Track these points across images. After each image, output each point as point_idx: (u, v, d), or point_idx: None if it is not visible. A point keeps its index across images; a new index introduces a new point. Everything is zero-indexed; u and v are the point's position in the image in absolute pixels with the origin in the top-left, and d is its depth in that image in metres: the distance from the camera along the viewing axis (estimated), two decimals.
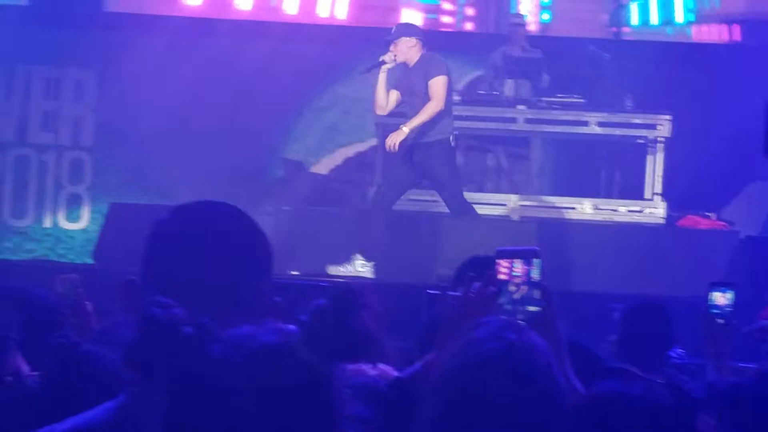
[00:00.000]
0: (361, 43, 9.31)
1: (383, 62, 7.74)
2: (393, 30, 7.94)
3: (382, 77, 7.72)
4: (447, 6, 9.79)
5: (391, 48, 7.82)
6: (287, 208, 8.69)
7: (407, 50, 7.79)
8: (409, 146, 7.61)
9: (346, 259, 7.73)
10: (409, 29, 7.98)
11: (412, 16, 9.70)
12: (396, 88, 7.78)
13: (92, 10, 9.26)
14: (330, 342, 2.23)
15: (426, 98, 7.64)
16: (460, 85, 9.03)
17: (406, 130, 7.56)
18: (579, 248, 7.50)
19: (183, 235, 2.26)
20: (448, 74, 7.76)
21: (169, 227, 2.32)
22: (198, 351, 1.68)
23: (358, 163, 9.34)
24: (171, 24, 9.23)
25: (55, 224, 9.38)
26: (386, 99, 7.73)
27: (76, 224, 9.39)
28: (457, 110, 8.46)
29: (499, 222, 7.94)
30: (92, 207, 9.33)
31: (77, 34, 9.19)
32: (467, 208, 7.65)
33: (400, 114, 7.81)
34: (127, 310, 2.47)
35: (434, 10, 9.78)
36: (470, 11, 9.75)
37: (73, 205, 9.40)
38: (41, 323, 3.01)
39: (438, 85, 7.66)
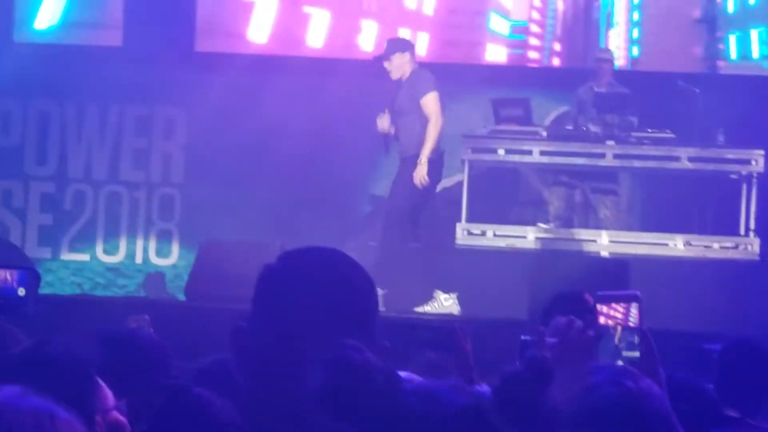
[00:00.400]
0: (447, 79, 9.34)
1: (387, 135, 7.83)
2: (385, 47, 7.95)
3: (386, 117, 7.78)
4: (534, 41, 9.77)
5: (386, 65, 7.85)
6: (373, 243, 8.71)
7: (401, 65, 7.82)
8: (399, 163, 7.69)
9: (430, 295, 7.73)
10: (400, 44, 7.99)
11: (498, 51, 9.71)
12: (387, 108, 7.84)
13: (183, 50, 9.40)
14: (521, 411, 2.20)
15: (412, 116, 7.67)
16: (547, 121, 9.00)
17: (424, 161, 7.61)
18: (671, 285, 7.41)
19: (293, 281, 2.27)
20: (437, 89, 7.76)
21: (280, 272, 2.33)
22: (391, 398, 1.69)
23: (445, 199, 9.32)
24: (257, 63, 9.34)
25: (146, 260, 9.50)
26: (436, 124, 7.74)
27: (166, 260, 9.50)
28: (543, 145, 8.42)
29: (589, 259, 7.88)
30: (181, 243, 9.44)
31: (168, 74, 9.33)
32: (391, 230, 7.62)
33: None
34: (238, 355, 2.48)
35: (521, 46, 9.77)
36: (557, 46, 9.72)
37: (163, 241, 9.52)
38: (149, 364, 3.03)
39: (430, 101, 7.69)
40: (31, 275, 3.47)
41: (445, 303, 7.79)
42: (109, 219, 9.51)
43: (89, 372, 2.27)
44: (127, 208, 9.54)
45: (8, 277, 3.44)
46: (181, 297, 8.64)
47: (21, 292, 3.38)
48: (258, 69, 9.27)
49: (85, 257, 9.47)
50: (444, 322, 6.71)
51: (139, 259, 9.51)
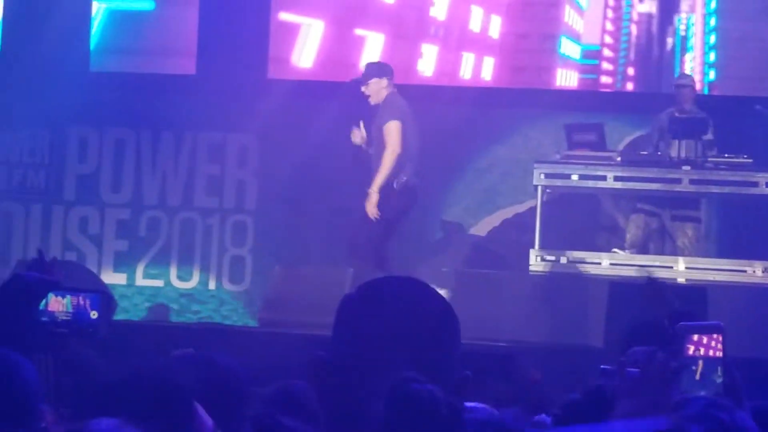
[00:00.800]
0: (517, 105, 9.31)
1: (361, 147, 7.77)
2: (364, 71, 7.90)
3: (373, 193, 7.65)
4: (607, 66, 9.70)
5: (363, 89, 7.80)
6: (446, 269, 8.68)
7: (379, 91, 7.77)
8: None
9: (505, 321, 7.66)
10: (377, 70, 7.90)
11: (569, 76, 9.65)
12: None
13: (256, 77, 9.46)
14: None
15: (377, 145, 7.62)
16: (620, 146, 8.92)
17: (374, 191, 7.54)
18: (749, 312, 7.28)
19: (373, 311, 2.26)
20: (403, 118, 7.66)
21: (359, 302, 2.33)
22: (453, 430, 1.67)
23: (517, 225, 9.28)
24: (329, 89, 9.37)
25: (219, 286, 9.56)
26: (392, 153, 7.64)
27: (239, 286, 9.54)
28: (618, 171, 8.34)
29: (666, 286, 7.77)
30: (254, 269, 9.48)
31: (241, 101, 9.39)
32: (358, 251, 7.52)
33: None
34: (317, 384, 2.47)
35: (593, 70, 9.71)
36: (631, 71, 9.64)
37: (236, 267, 9.57)
38: (229, 392, 3.02)
39: (390, 130, 7.59)
40: (104, 299, 3.49)
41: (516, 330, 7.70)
42: (183, 245, 9.58)
43: (189, 398, 2.28)
44: (200, 234, 9.60)
45: (82, 301, 3.47)
46: (253, 323, 8.68)
47: (94, 315, 3.41)
48: (327, 95, 9.30)
49: (159, 283, 9.54)
50: (507, 350, 6.66)
51: (212, 285, 9.56)
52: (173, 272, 9.57)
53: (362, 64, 9.54)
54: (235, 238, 9.59)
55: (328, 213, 9.17)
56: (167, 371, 2.34)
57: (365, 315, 2.26)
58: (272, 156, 9.44)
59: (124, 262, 9.57)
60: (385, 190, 7.57)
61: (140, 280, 9.55)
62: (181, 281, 9.56)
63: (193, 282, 9.56)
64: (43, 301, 3.36)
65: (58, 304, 3.42)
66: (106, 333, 3.21)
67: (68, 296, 3.44)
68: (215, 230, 9.61)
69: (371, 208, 7.51)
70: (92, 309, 3.40)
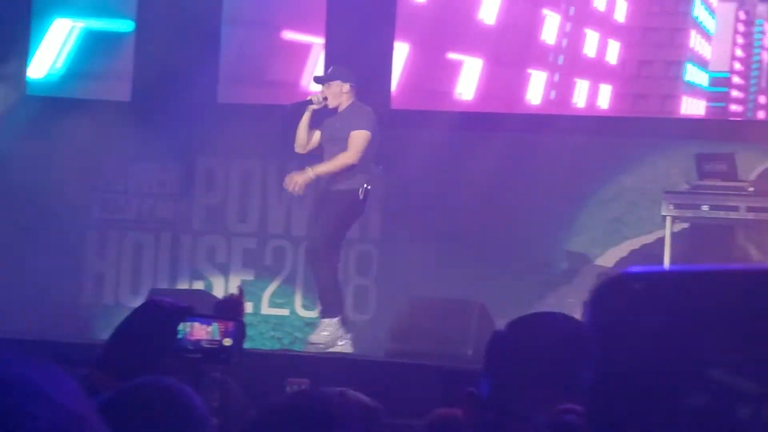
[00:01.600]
0: (641, 133, 9.19)
1: (311, 102, 7.81)
2: (328, 71, 7.97)
3: (306, 116, 7.79)
4: (736, 94, 9.53)
5: (323, 89, 7.84)
6: (571, 299, 8.60)
7: (339, 94, 7.82)
8: (321, 194, 7.70)
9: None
10: (344, 74, 7.94)
11: (695, 104, 9.50)
12: (320, 129, 7.82)
13: (380, 108, 9.51)
14: None
15: (344, 147, 7.63)
16: (752, 176, 8.75)
17: (311, 173, 7.60)
18: None
19: (527, 347, 2.27)
20: (373, 130, 7.72)
21: (512, 339, 2.34)
22: None
23: (645, 256, 9.14)
24: (451, 119, 9.38)
25: (344, 315, 9.58)
26: (307, 138, 7.80)
27: (364, 315, 9.57)
28: (751, 201, 8.18)
29: None
30: (379, 299, 9.50)
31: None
32: (319, 259, 7.66)
33: (317, 157, 7.83)
34: (471, 419, 2.47)
35: (721, 98, 9.54)
36: (762, 99, 9.46)
37: (361, 296, 9.60)
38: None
39: (358, 138, 7.66)
40: (238, 327, 3.54)
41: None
42: (308, 274, 9.65)
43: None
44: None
45: (218, 328, 3.51)
46: (379, 353, 8.69)
47: (227, 342, 3.45)
48: (454, 126, 9.31)
49: (284, 312, 9.63)
50: None
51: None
52: (298, 301, 9.65)
53: (458, 91, 9.56)
54: (360, 268, 9.63)
55: (454, 242, 9.16)
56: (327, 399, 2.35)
57: (518, 351, 2.27)
58: (397, 185, 9.47)
59: (250, 290, 9.68)
60: (353, 196, 7.70)
61: (266, 309, 9.65)
62: (305, 310, 9.63)
63: (318, 311, 9.61)
64: (182, 327, 3.40)
65: (201, 331, 3.46)
66: (238, 360, 3.24)
67: (213, 323, 3.49)
68: (340, 260, 9.65)
69: (293, 182, 7.67)
70: (226, 336, 3.45)
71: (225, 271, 9.76)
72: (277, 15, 9.89)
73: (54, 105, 9.72)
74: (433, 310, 7.40)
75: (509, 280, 8.81)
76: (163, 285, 9.55)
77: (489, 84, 9.51)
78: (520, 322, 2.39)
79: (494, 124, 9.35)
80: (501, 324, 7.26)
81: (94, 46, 9.99)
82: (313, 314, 9.62)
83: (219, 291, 9.53)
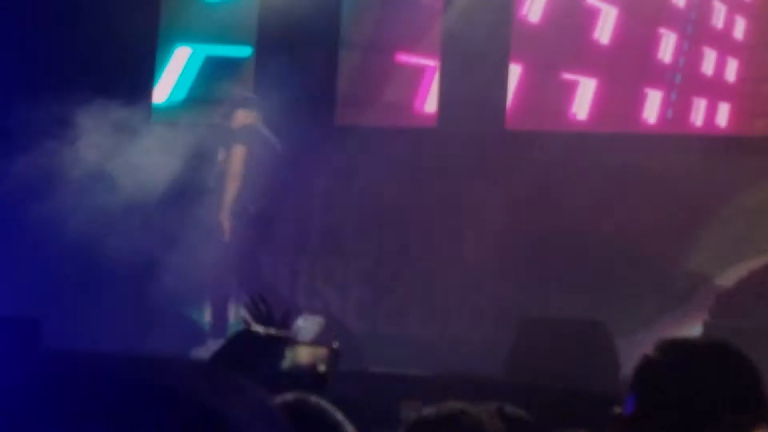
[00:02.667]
0: (762, 153, 9.06)
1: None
2: (236, 95, 8.47)
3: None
4: None
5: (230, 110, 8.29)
6: (691, 319, 8.51)
7: (245, 118, 8.32)
8: None
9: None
10: (247, 101, 8.46)
11: None
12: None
13: (494, 129, 9.55)
14: None
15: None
16: None
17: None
18: None
19: (682, 374, 2.28)
20: (251, 147, 8.14)
21: (666, 366, 2.35)
22: None
23: (765, 275, 9.02)
24: (565, 139, 9.36)
25: (459, 335, 9.62)
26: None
27: (479, 334, 9.58)
28: None
29: None
30: (495, 319, 9.50)
31: (481, 152, 9.48)
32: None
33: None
34: None
35: None
36: None
37: (476, 316, 9.61)
38: None
39: (234, 157, 8.17)
40: (332, 354, 3.57)
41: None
42: (424, 294, 9.71)
43: None
44: (440, 283, 9.71)
45: (313, 354, 3.54)
46: (493, 373, 8.69)
47: (321, 369, 3.48)
48: (566, 147, 9.30)
49: (400, 331, 9.68)
50: None
51: (452, 334, 9.64)
52: (415, 321, 9.70)
53: (573, 111, 9.52)
54: (476, 288, 9.65)
55: (570, 262, 9.13)
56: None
57: (673, 377, 2.28)
58: (511, 206, 9.48)
59: (366, 310, 9.77)
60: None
61: (382, 329, 9.72)
62: (422, 329, 9.68)
63: (433, 331, 9.67)
64: (294, 351, 3.45)
65: (314, 355, 3.50)
66: (329, 386, 3.28)
67: (308, 349, 3.52)
68: (455, 279, 9.70)
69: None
70: (321, 363, 3.48)
71: (342, 291, 9.86)
72: (393, 37, 10.00)
73: (177, 131, 9.95)
74: (553, 330, 7.39)
75: (628, 299, 8.77)
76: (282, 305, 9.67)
77: (604, 103, 9.48)
78: (674, 347, 2.40)
79: (610, 144, 9.32)
80: (621, 343, 7.24)
81: (214, 71, 10.21)
82: (429, 333, 9.67)
83: (337, 311, 9.64)
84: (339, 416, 2.46)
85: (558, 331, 7.31)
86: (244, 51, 10.22)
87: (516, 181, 9.35)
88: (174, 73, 10.24)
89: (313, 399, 2.47)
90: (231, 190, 8.26)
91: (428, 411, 2.64)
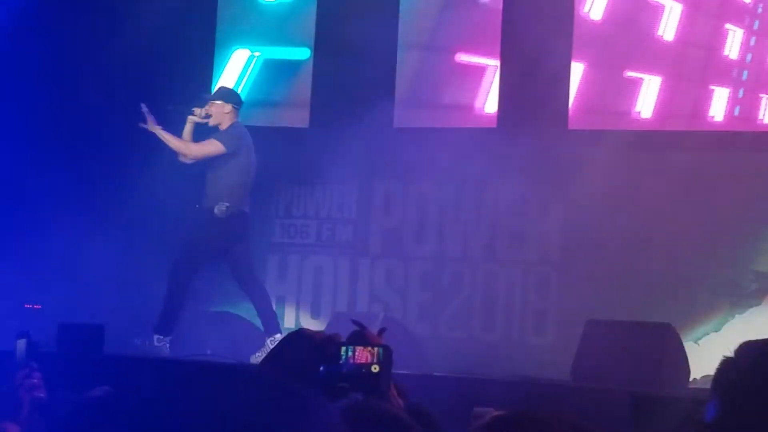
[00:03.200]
0: None
1: (192, 112, 8.21)
2: (215, 90, 8.42)
3: (188, 127, 8.22)
4: None
5: (207, 106, 8.23)
6: (761, 321, 8.35)
7: (221, 114, 8.23)
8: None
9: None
10: (227, 95, 8.38)
11: None
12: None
13: (557, 128, 9.43)
14: None
15: (220, 168, 8.12)
16: None
17: (157, 129, 8.19)
18: None
19: (758, 373, 2.21)
20: (234, 151, 8.16)
21: (749, 369, 2.29)
22: None
23: None
24: (629, 138, 9.22)
25: (522, 338, 9.51)
26: (187, 147, 8.17)
27: (542, 339, 9.47)
28: None
29: None
30: (558, 322, 9.38)
31: (543, 152, 9.37)
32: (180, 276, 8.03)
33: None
34: None
35: None
36: None
37: (539, 319, 9.50)
38: None
39: (210, 144, 8.14)
40: (386, 353, 3.48)
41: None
42: (486, 297, 9.60)
43: None
44: (503, 286, 9.60)
45: (368, 355, 3.46)
46: (557, 377, 8.57)
47: (375, 369, 3.40)
48: (634, 146, 9.16)
49: (462, 335, 9.59)
50: None
51: (515, 337, 9.53)
52: (476, 324, 9.60)
53: (636, 109, 9.36)
54: (539, 291, 9.53)
55: (635, 263, 8.99)
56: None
57: (756, 380, 2.19)
58: (575, 206, 9.36)
59: (427, 313, 9.69)
60: (207, 215, 8.16)
61: (443, 332, 9.63)
62: (484, 333, 9.57)
63: (497, 334, 9.56)
64: (345, 351, 3.36)
65: (368, 355, 3.42)
66: (386, 388, 3.18)
67: (363, 349, 3.43)
68: (518, 282, 9.58)
69: (150, 128, 8.17)
70: (374, 363, 3.40)
71: (402, 294, 9.79)
72: (452, 38, 9.91)
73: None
74: (620, 333, 7.25)
75: (695, 300, 8.60)
76: (342, 308, 9.64)
77: (669, 101, 9.32)
78: (754, 348, 2.32)
79: (675, 142, 9.15)
80: (689, 346, 7.08)
81: (272, 74, 10.18)
82: (491, 337, 9.57)
83: (397, 314, 9.56)
84: (407, 421, 2.38)
85: (624, 333, 7.16)
86: (302, 53, 10.18)
87: (579, 181, 9.22)
88: (232, 76, 10.22)
89: (378, 403, 2.38)
90: (183, 147, 8.30)
91: (495, 417, 2.54)
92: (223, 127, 8.34)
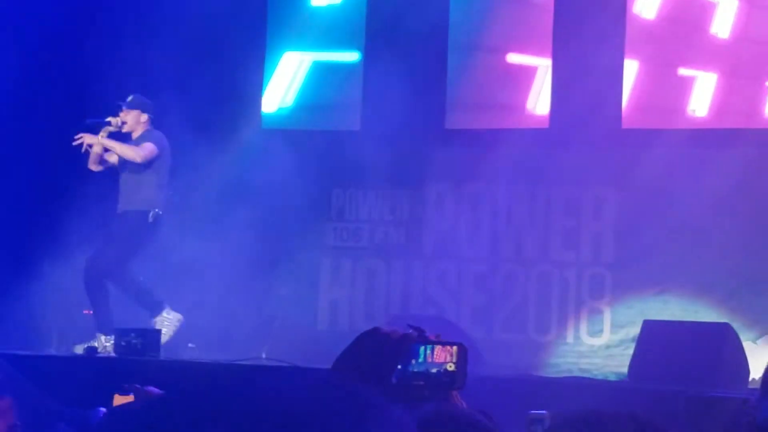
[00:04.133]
0: None
1: (108, 123, 8.33)
2: (130, 98, 8.42)
3: (103, 135, 8.34)
4: None
5: (122, 114, 8.36)
6: None
7: (135, 123, 8.38)
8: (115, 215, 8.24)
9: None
10: (142, 104, 8.47)
11: None
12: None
13: (609, 127, 9.37)
14: None
15: (135, 173, 8.28)
16: None
17: (101, 139, 8.29)
18: None
19: None
20: (162, 149, 8.29)
21: None
22: None
23: None
24: (684, 136, 9.13)
25: (577, 339, 9.45)
26: (135, 151, 8.26)
27: (598, 339, 9.40)
28: None
29: None
30: (613, 322, 9.32)
31: (596, 152, 9.31)
32: (109, 278, 8.17)
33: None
34: None
35: None
36: None
37: (595, 320, 9.43)
38: None
39: (147, 147, 8.26)
40: (461, 350, 3.44)
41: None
42: (540, 298, 9.55)
43: None
44: (557, 287, 9.55)
45: (444, 353, 3.43)
46: (612, 377, 8.51)
47: (451, 367, 3.36)
48: (686, 143, 9.08)
49: (517, 336, 9.54)
50: None
51: (570, 338, 9.47)
52: (531, 325, 9.55)
53: (691, 108, 9.26)
54: (593, 291, 9.46)
55: (690, 263, 8.90)
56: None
57: None
58: (629, 206, 9.29)
59: (481, 315, 9.65)
60: (141, 220, 8.26)
61: (498, 334, 9.58)
62: (539, 334, 9.52)
63: (551, 335, 9.50)
64: (424, 350, 3.34)
65: (444, 353, 3.39)
66: (462, 386, 3.17)
67: (438, 348, 3.40)
68: (572, 283, 9.52)
69: (83, 140, 8.26)
70: (450, 362, 3.37)
71: (456, 296, 9.76)
72: (503, 39, 9.86)
73: (287, 137, 9.97)
74: (678, 334, 7.18)
75: (753, 298, 8.49)
76: (396, 311, 9.62)
77: (724, 99, 9.22)
78: None
79: (730, 140, 9.05)
80: (748, 346, 6.99)
81: (323, 77, 10.19)
82: (547, 338, 9.52)
83: (451, 316, 9.53)
84: (488, 425, 2.36)
85: (682, 334, 7.10)
86: (353, 56, 10.18)
87: (633, 180, 9.15)
88: (282, 80, 10.24)
89: (456, 408, 2.37)
90: (126, 151, 8.37)
91: (558, 417, 2.51)
92: (137, 134, 8.50)
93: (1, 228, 9.61)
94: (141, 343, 8.00)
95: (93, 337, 8.42)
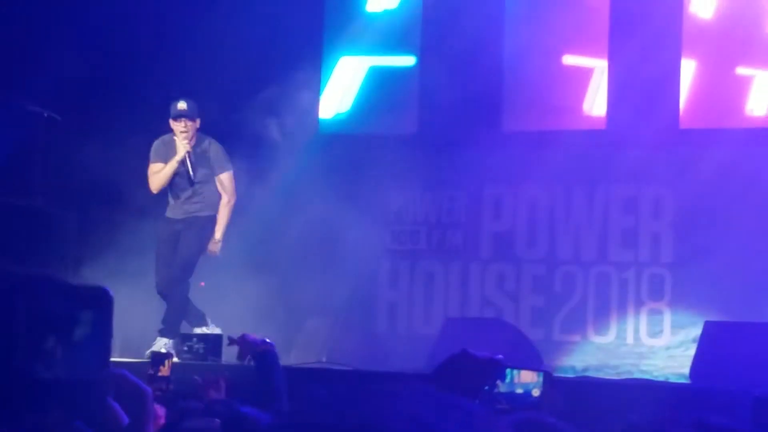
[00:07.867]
0: None
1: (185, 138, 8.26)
2: (184, 105, 8.20)
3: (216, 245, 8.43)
4: None
5: (191, 124, 8.24)
6: None
7: (195, 131, 8.33)
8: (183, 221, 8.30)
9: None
10: (198, 109, 8.34)
11: None
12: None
13: (667, 128, 9.33)
14: None
15: (209, 183, 8.25)
16: None
17: (218, 237, 8.32)
18: None
19: None
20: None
21: None
22: None
23: None
24: (742, 136, 9.08)
25: (637, 340, 9.42)
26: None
27: (658, 340, 9.37)
28: None
29: None
30: (673, 323, 9.28)
31: (653, 152, 9.28)
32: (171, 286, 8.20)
33: None
34: None
35: None
36: None
37: (654, 321, 9.40)
38: None
39: (227, 180, 8.30)
40: (547, 378, 3.45)
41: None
42: (599, 299, 9.53)
43: None
44: (616, 288, 9.52)
45: (532, 379, 3.42)
46: (673, 379, 8.47)
47: (536, 393, 3.38)
48: (745, 143, 9.02)
49: (576, 338, 9.53)
50: None
51: (630, 340, 9.44)
52: (590, 327, 9.54)
53: (749, 107, 9.19)
54: (652, 292, 9.43)
55: (749, 262, 8.84)
56: None
57: None
58: (687, 206, 9.25)
59: (540, 317, 9.65)
60: (210, 225, 8.39)
61: (557, 335, 9.58)
62: (598, 336, 9.51)
63: (611, 336, 9.48)
64: (510, 373, 3.36)
65: (530, 377, 3.40)
66: (548, 411, 3.17)
67: (523, 372, 3.40)
68: (631, 284, 9.50)
69: (214, 253, 8.40)
70: (535, 387, 3.37)
71: (514, 298, 9.77)
72: (558, 40, 9.86)
73: (344, 142, 10.03)
74: (739, 334, 7.14)
75: (752, 301, 8.44)
76: (454, 313, 9.65)
77: None
78: None
79: None
80: None
81: (379, 81, 10.24)
82: (605, 339, 9.50)
83: (509, 318, 9.54)
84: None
85: (744, 334, 7.06)
86: (409, 60, 10.22)
87: (691, 180, 9.11)
88: (339, 85, 10.31)
89: (549, 420, 2.40)
90: (230, 211, 8.47)
91: (632, 421, 2.54)
92: (194, 141, 8.43)
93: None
94: (203, 347, 8.09)
95: (152, 341, 8.47)
